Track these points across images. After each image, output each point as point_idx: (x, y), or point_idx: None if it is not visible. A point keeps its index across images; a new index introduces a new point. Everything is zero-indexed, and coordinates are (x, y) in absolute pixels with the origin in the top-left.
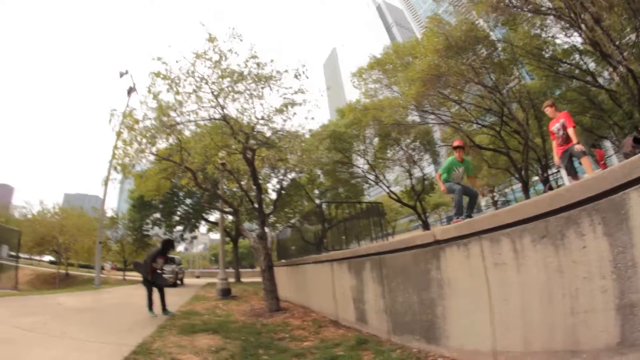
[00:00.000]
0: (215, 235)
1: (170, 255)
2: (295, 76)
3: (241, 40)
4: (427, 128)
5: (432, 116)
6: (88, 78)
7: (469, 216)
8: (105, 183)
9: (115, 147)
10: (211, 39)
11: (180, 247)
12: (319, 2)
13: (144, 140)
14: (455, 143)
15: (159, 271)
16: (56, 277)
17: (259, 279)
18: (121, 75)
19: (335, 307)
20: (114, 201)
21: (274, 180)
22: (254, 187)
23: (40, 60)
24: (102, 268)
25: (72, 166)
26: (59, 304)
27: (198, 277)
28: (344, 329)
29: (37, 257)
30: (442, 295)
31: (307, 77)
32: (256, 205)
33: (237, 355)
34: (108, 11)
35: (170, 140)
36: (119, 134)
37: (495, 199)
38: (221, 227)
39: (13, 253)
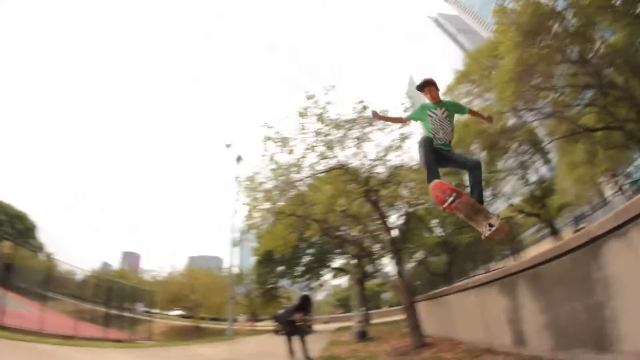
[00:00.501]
0: (338, 281)
1: (297, 303)
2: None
3: (334, 89)
4: (529, 127)
5: (531, 112)
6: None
7: (480, 199)
8: (235, 244)
9: (241, 210)
10: (309, 97)
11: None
12: (379, 35)
13: (268, 202)
14: (424, 79)
15: (297, 324)
16: (187, 329)
17: (388, 319)
18: (227, 146)
19: (487, 334)
20: (236, 259)
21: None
22: (382, 225)
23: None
24: (235, 320)
25: (191, 231)
26: (200, 355)
27: (326, 322)
28: (502, 354)
29: (167, 312)
30: (609, 296)
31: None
32: (385, 244)
33: None
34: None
35: (292, 195)
36: (243, 198)
37: (620, 183)
38: (354, 271)
39: (146, 309)
